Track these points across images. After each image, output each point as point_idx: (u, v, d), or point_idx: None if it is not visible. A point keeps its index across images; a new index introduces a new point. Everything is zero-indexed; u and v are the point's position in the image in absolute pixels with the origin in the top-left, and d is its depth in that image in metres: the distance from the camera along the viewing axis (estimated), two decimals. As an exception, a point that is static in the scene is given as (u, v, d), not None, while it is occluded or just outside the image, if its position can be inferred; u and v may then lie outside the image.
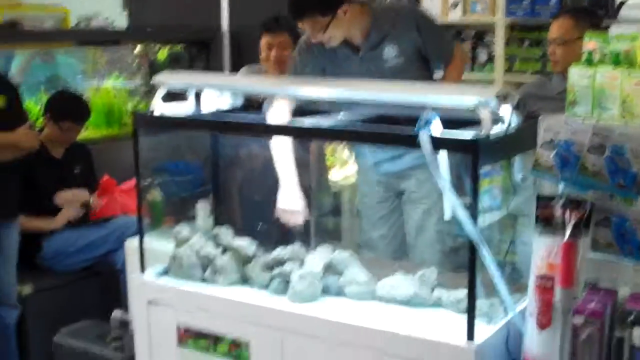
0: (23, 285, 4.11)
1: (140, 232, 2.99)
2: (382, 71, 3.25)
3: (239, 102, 3.07)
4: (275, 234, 3.35)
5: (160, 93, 2.90)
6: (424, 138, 2.24)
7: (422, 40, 3.29)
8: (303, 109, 2.90)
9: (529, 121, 2.32)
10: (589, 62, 2.15)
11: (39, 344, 3.99)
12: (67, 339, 3.46)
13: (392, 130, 2.47)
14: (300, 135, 2.92)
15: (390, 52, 3.27)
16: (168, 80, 2.98)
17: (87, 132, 4.88)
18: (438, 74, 3.46)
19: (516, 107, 2.40)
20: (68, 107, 4.47)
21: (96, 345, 3.37)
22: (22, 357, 4.06)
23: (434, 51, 3.35)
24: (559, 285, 2.02)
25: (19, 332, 4.02)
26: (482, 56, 4.84)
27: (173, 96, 2.96)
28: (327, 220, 3.37)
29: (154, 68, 5.71)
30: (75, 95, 4.68)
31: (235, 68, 5.19)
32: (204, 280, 2.83)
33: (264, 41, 4.07)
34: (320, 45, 3.28)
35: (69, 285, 4.29)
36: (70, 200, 4.41)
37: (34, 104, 5.18)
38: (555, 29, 3.68)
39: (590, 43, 2.18)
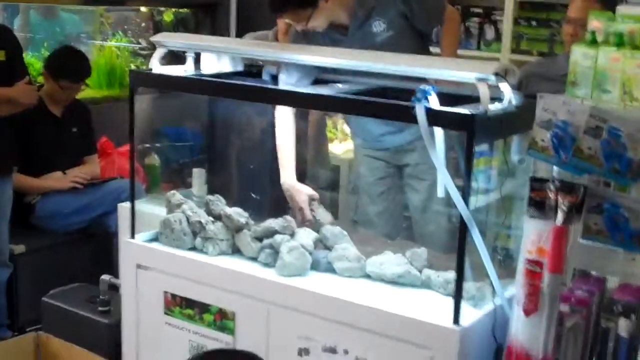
0: (16, 245, 4.08)
1: (131, 196, 2.96)
2: (373, 48, 3.12)
3: (240, 67, 3.02)
4: (269, 205, 3.30)
5: (158, 53, 2.86)
6: (419, 111, 2.19)
7: (407, 6, 3.13)
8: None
9: (529, 101, 2.25)
10: (593, 42, 2.08)
11: (29, 304, 3.96)
12: (55, 301, 3.44)
13: (388, 102, 2.41)
14: (293, 102, 2.86)
15: (378, 26, 3.13)
16: (167, 40, 2.93)
17: (87, 92, 4.81)
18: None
19: (516, 86, 2.34)
20: (67, 65, 4.36)
21: (84, 308, 3.35)
22: (11, 316, 4.05)
23: (422, 14, 3.16)
24: (548, 271, 1.98)
25: (10, 291, 4.01)
26: (490, 34, 4.75)
27: (177, 60, 2.91)
28: (324, 194, 3.31)
29: (160, 30, 5.65)
30: (76, 53, 4.54)
31: (240, 34, 5.11)
32: (193, 247, 2.79)
33: None
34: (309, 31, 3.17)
35: (62, 246, 4.27)
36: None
37: (36, 60, 5.13)
38: (577, 9, 3.53)
39: (595, 22, 2.11)
